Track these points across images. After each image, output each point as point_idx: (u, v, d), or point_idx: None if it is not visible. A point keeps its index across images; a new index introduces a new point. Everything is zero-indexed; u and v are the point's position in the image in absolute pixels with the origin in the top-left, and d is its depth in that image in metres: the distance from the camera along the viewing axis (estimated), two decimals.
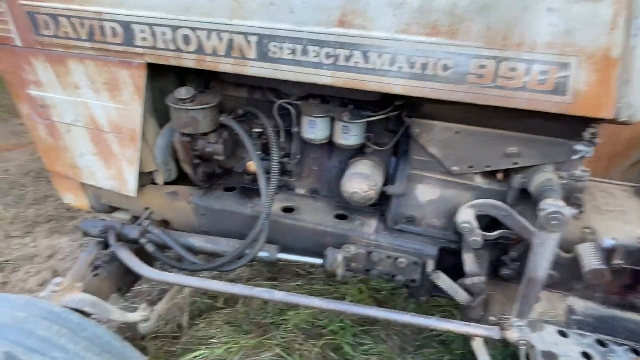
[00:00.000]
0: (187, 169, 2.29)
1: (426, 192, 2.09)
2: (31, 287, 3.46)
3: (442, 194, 2.07)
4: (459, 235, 2.04)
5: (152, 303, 3.32)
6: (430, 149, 1.98)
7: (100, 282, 2.28)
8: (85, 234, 2.33)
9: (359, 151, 2.22)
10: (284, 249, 2.24)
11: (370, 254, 2.10)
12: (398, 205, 2.11)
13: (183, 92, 1.94)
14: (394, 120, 2.09)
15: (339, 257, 2.07)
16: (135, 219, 2.68)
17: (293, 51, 1.72)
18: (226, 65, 1.84)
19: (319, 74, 1.74)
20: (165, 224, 2.61)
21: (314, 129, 2.06)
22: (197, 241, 2.21)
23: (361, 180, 2.06)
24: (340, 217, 2.27)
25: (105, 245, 2.33)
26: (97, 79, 2.10)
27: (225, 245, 2.18)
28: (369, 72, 1.67)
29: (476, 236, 1.92)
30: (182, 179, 2.47)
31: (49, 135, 2.43)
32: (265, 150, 2.32)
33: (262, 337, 2.93)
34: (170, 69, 2.16)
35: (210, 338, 3.03)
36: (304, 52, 1.71)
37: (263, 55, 1.77)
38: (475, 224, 1.92)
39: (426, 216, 2.12)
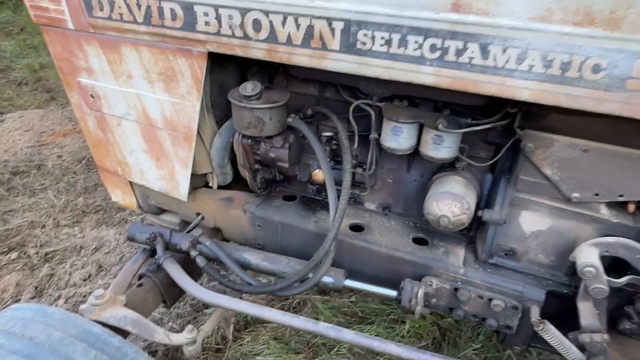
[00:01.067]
0: (246, 174, 2.01)
1: (533, 222, 1.70)
2: (75, 281, 3.35)
3: (554, 225, 1.67)
4: (573, 277, 1.64)
5: (197, 310, 3.12)
6: (545, 169, 1.58)
7: (145, 294, 2.06)
8: (132, 240, 2.11)
9: (447, 165, 1.85)
10: (351, 273, 1.92)
11: (457, 291, 1.74)
12: (495, 234, 1.73)
13: (249, 87, 1.65)
14: (499, 130, 1.70)
15: (420, 292, 1.72)
16: (185, 223, 2.46)
17: (388, 42, 1.38)
18: (302, 58, 1.53)
19: (418, 71, 1.39)
20: (216, 231, 2.36)
21: (398, 136, 1.71)
22: (254, 258, 1.93)
23: (452, 202, 1.70)
24: (419, 241, 1.91)
25: (153, 252, 2.11)
26: (152, 68, 1.86)
27: (285, 266, 1.88)
28: (487, 71, 1.30)
29: (601, 283, 1.51)
30: (236, 182, 2.21)
31: (98, 129, 2.23)
32: (335, 157, 2.01)
33: None
34: (232, 59, 1.89)
35: (256, 355, 2.77)
36: (403, 43, 1.36)
37: (349, 47, 1.44)
38: (600, 268, 1.51)
39: (530, 250, 1.73)
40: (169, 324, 2.88)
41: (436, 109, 1.70)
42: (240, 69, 2.12)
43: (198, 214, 2.28)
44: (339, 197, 1.69)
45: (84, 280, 3.39)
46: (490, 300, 1.71)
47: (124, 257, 3.65)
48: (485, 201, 1.87)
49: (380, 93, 1.68)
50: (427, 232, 1.96)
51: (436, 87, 1.39)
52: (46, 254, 3.61)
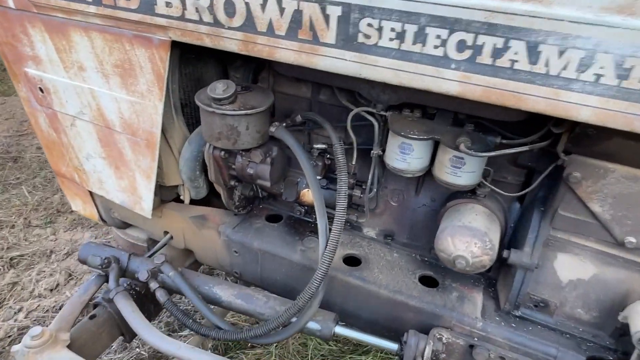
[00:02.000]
0: (220, 190, 1.67)
1: (572, 268, 1.35)
2: (40, 292, 3.01)
3: (600, 274, 1.32)
4: (621, 340, 1.30)
5: (172, 331, 2.79)
6: (593, 205, 1.23)
7: (97, 328, 1.72)
8: (83, 262, 1.77)
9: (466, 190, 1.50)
10: (343, 315, 1.58)
11: (473, 349, 1.40)
12: (524, 280, 1.38)
13: (219, 88, 1.30)
14: (534, 152, 1.36)
15: (427, 349, 1.38)
16: (153, 241, 2.12)
17: (400, 35, 1.02)
18: (286, 53, 1.17)
19: (439, 77, 1.03)
20: (188, 252, 2.02)
21: (407, 155, 1.36)
22: (225, 294, 1.59)
23: (471, 240, 1.35)
24: (427, 281, 1.57)
25: (107, 277, 1.77)
26: (106, 58, 1.50)
27: (263, 306, 1.54)
28: (536, 80, 0.95)
29: None
30: (216, 195, 1.87)
31: (50, 128, 1.88)
32: (328, 174, 1.66)
33: None
34: (209, 49, 1.54)
35: None
36: (420, 37, 1.01)
37: (347, 40, 1.08)
38: None
39: (567, 303, 1.39)
40: (137, 349, 2.55)
41: (456, 123, 1.35)
42: (221, 62, 1.77)
43: (166, 233, 1.94)
44: (330, 225, 1.35)
45: (51, 290, 3.06)
46: None
47: None
48: (510, 237, 1.52)
49: (387, 100, 1.33)
50: (437, 269, 1.61)
51: (461, 98, 1.04)
52: (12, 258, 3.28)
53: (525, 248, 1.36)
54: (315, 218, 1.77)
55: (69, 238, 3.56)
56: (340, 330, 1.51)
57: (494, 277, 1.58)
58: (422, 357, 1.38)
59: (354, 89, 1.39)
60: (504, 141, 1.30)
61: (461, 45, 0.98)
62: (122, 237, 2.16)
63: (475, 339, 1.41)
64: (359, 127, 1.51)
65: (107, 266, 1.68)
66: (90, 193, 2.03)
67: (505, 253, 1.39)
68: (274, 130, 1.43)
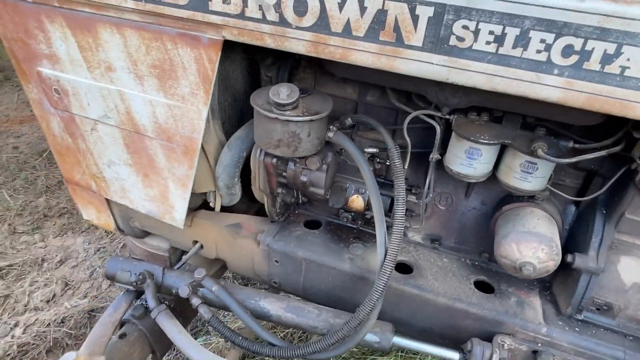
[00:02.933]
0: (263, 198, 1.57)
1: (637, 271, 1.35)
2: (37, 304, 2.82)
3: None
4: None
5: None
6: None
7: (129, 348, 1.60)
8: (111, 279, 1.64)
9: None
10: (397, 324, 1.53)
11: (537, 354, 1.38)
12: (588, 285, 1.37)
13: (283, 92, 1.20)
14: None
15: (494, 357, 1.35)
16: (175, 250, 2.00)
17: (499, 39, 0.96)
18: (363, 55, 1.09)
19: (539, 82, 0.98)
20: (215, 261, 1.92)
21: (474, 160, 1.31)
22: (274, 307, 1.51)
23: (538, 245, 1.33)
24: (482, 286, 1.54)
25: (139, 293, 1.65)
26: (141, 58, 1.37)
27: (316, 319, 1.47)
28: None
29: None
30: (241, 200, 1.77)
31: (65, 133, 1.72)
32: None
33: None
34: (239, 44, 1.45)
35: None
36: (521, 41, 0.95)
37: (437, 43, 1.01)
38: None
39: (630, 305, 1.39)
40: None
41: (525, 127, 1.31)
42: (248, 58, 1.66)
43: (195, 242, 1.83)
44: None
45: (47, 302, 2.87)
46: None
47: (95, 271, 3.14)
48: (565, 240, 1.51)
49: (456, 103, 1.27)
50: (489, 274, 1.59)
51: (557, 103, 1.00)
52: (0, 269, 3.05)
53: (590, 252, 1.35)
54: (361, 224, 1.71)
55: (59, 244, 3.35)
56: (398, 340, 1.46)
57: (547, 280, 1.57)
58: None
59: (417, 92, 1.32)
60: (576, 145, 1.27)
61: (568, 51, 0.93)
62: (140, 246, 2.02)
63: (539, 344, 1.40)
64: (411, 130, 1.45)
65: (141, 282, 1.56)
66: (108, 201, 1.88)
67: (569, 257, 1.37)
68: (332, 136, 1.35)
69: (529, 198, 1.46)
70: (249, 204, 1.97)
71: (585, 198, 1.34)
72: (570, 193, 1.44)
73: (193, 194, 1.73)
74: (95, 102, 1.54)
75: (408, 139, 1.43)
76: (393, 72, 1.09)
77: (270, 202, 1.56)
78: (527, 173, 1.28)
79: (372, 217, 1.60)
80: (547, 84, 0.98)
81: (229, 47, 1.30)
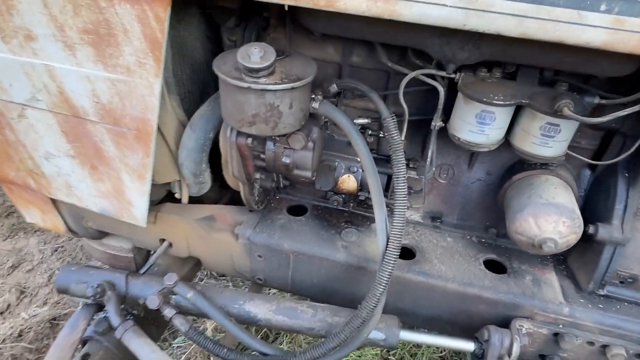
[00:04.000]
0: (239, 185, 1.34)
1: None
2: None
3: None
4: None
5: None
6: None
7: None
8: (64, 292, 1.39)
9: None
10: (400, 315, 1.37)
11: (559, 337, 1.25)
12: (612, 257, 1.23)
13: (255, 54, 0.95)
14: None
15: (515, 345, 1.21)
16: (141, 251, 1.74)
17: None
18: (355, 0, 0.85)
19: (580, 23, 0.78)
20: (183, 260, 1.68)
21: (487, 126, 1.12)
22: (262, 311, 1.30)
23: (559, 218, 1.17)
24: (492, 266, 1.39)
25: (100, 306, 1.41)
26: (69, 21, 1.08)
27: (311, 320, 1.28)
28: None
29: None
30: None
31: None
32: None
33: None
34: (195, 4, 1.18)
35: None
36: None
37: None
38: None
39: None
40: None
41: (542, 83, 1.12)
42: (207, 20, 1.38)
43: (162, 240, 1.58)
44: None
45: (1, 313, 2.56)
46: (604, 347, 1.24)
47: (53, 274, 2.83)
48: (581, 208, 1.36)
49: (465, 59, 1.06)
50: (498, 251, 1.43)
51: (597, 50, 0.80)
52: None
53: (613, 221, 1.21)
54: (352, 206, 1.51)
55: (10, 247, 3.00)
56: (406, 335, 1.29)
57: (560, 253, 1.43)
58: (510, 355, 1.21)
59: (416, 47, 1.10)
60: (603, 101, 1.09)
61: None
62: (99, 248, 1.75)
63: (560, 326, 1.26)
64: (408, 95, 1.24)
65: (101, 295, 1.31)
66: (53, 200, 1.59)
67: (590, 229, 1.22)
68: (318, 106, 1.11)
69: (542, 165, 1.29)
70: (220, 192, 1.72)
71: (611, 161, 1.18)
72: (587, 156, 1.27)
73: (154, 186, 1.47)
74: (19, 81, 1.24)
75: (405, 105, 1.21)
76: (390, 20, 0.86)
77: (247, 190, 1.33)
78: (548, 137, 1.10)
79: (366, 198, 1.40)
80: (591, 24, 0.78)
81: (182, 7, 1.02)
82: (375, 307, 1.18)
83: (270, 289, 2.31)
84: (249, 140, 1.14)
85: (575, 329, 1.25)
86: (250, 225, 1.44)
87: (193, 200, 1.55)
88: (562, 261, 1.41)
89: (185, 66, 1.35)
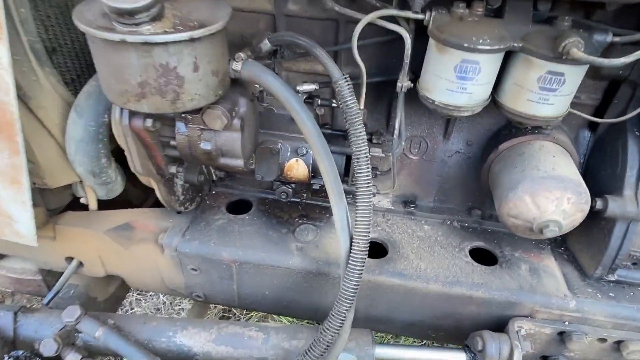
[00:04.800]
0: (154, 185, 1.02)
1: None
2: None
3: None
4: None
5: None
6: None
7: None
8: None
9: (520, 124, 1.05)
10: (368, 324, 1.11)
11: (565, 336, 1.03)
12: (626, 235, 1.01)
13: None
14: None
15: (516, 354, 0.97)
16: (52, 273, 1.40)
17: None
18: None
19: None
20: (109, 279, 1.35)
21: (470, 81, 0.85)
22: (198, 342, 1.01)
23: (562, 194, 0.93)
24: (480, 255, 1.14)
25: None
26: None
27: (263, 347, 1.00)
28: None
29: None
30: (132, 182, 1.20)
31: None
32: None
33: None
34: None
35: None
36: None
37: None
38: None
39: None
40: None
41: (538, 19, 0.85)
42: None
43: (70, 259, 1.24)
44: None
45: None
46: (619, 343, 1.03)
47: None
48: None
49: None
50: (485, 236, 1.19)
51: None
52: None
53: (625, 192, 0.98)
54: (306, 197, 1.22)
55: None
56: (382, 351, 1.04)
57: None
58: None
59: None
60: (617, 39, 0.83)
61: None
62: None
63: (566, 322, 1.04)
64: (364, 50, 0.95)
65: None
66: None
67: (597, 203, 0.99)
68: (241, 69, 0.80)
69: (533, 129, 1.04)
70: (146, 191, 1.39)
71: (623, 117, 0.93)
72: (587, 113, 1.03)
73: (50, 191, 1.13)
74: None
75: (361, 63, 0.92)
76: None
77: (163, 189, 1.01)
78: (549, 91, 0.84)
79: (321, 186, 1.11)
80: None
81: None
82: (341, 326, 0.91)
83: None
84: (149, 121, 0.82)
85: (584, 325, 1.03)
86: (177, 232, 1.13)
87: (107, 204, 1.22)
88: (560, 243, 1.19)
89: (62, 29, 0.99)
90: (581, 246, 1.12)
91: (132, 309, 2.32)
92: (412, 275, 1.06)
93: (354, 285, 0.90)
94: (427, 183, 1.23)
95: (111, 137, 1.01)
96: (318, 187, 1.08)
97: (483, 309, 1.07)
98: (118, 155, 1.10)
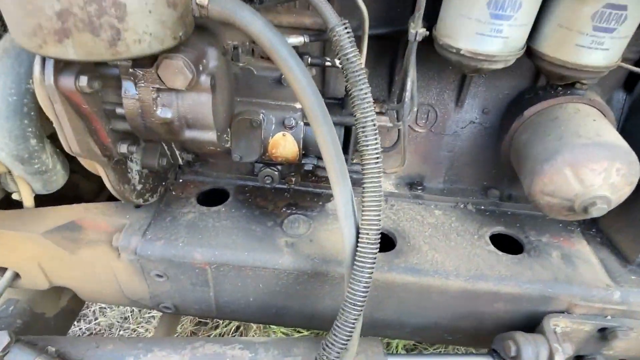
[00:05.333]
0: (100, 170, 0.79)
1: None
2: None
3: None
4: None
5: None
6: None
7: None
8: None
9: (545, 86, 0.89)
10: (374, 329, 0.93)
11: (609, 332, 0.87)
12: None
13: None
14: None
15: (557, 358, 0.81)
16: None
17: None
18: None
19: None
20: (58, 290, 1.12)
21: (506, 20, 0.66)
22: None
23: (610, 164, 0.77)
24: (500, 242, 0.97)
25: None
26: None
27: None
28: None
29: None
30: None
31: None
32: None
33: None
34: None
35: None
36: None
37: None
38: None
39: None
40: None
41: None
42: None
43: (3, 270, 1.00)
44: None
45: None
46: None
47: None
48: None
49: None
50: (505, 220, 1.02)
51: None
52: None
53: None
54: (294, 182, 1.01)
55: None
56: None
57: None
58: None
59: None
60: None
61: None
62: None
63: (609, 317, 0.88)
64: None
65: None
66: None
67: None
68: (208, 2, 0.58)
69: (565, 89, 0.88)
70: (101, 184, 1.16)
71: None
72: (625, 70, 0.87)
73: None
74: None
75: (363, 6, 0.73)
76: None
77: (112, 175, 0.78)
78: (605, 31, 0.67)
79: (315, 167, 0.91)
80: None
81: None
82: (349, 338, 0.73)
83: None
84: (83, 79, 0.59)
85: (630, 319, 0.87)
86: (136, 231, 0.90)
87: (53, 202, 0.98)
88: (590, 224, 1.03)
89: None
90: (619, 226, 0.97)
91: (95, 319, 2.07)
92: (428, 270, 0.88)
93: (364, 287, 0.71)
94: (435, 161, 1.04)
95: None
96: (311, 168, 0.88)
97: (511, 306, 0.90)
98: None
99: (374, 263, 0.72)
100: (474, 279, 0.87)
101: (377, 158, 0.71)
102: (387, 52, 0.92)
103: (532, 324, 0.91)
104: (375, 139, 0.71)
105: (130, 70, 0.60)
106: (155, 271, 0.92)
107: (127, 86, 0.62)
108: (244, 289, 0.94)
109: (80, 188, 1.24)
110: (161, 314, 2.00)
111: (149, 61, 0.60)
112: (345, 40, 0.67)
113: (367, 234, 0.71)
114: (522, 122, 0.91)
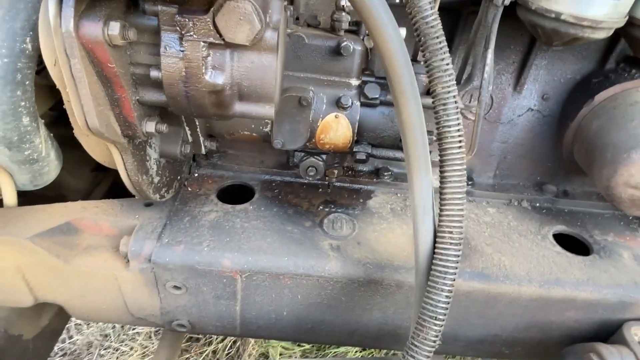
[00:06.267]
0: (116, 155, 0.62)
1: None
2: None
3: None
4: None
5: None
6: None
7: None
8: None
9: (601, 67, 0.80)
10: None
11: None
12: None
13: None
14: None
15: None
16: None
17: None
18: None
19: None
20: (46, 308, 0.93)
21: None
22: None
23: None
24: (563, 242, 0.87)
25: None
26: None
27: None
28: None
29: None
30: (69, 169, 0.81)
31: None
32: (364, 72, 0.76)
33: None
34: None
35: None
36: None
37: None
38: None
39: None
40: None
41: None
42: None
43: None
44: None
45: None
46: None
47: None
48: None
49: None
50: (564, 218, 0.93)
51: None
52: None
53: None
54: (335, 176, 0.88)
55: None
56: None
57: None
58: None
59: None
60: None
61: None
62: None
63: None
64: None
65: None
66: None
67: None
68: None
69: (638, 70, 0.79)
70: (95, 177, 0.99)
71: None
72: None
73: None
74: None
75: None
76: None
77: (131, 162, 0.62)
78: None
79: (368, 156, 0.78)
80: None
81: None
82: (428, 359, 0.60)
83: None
84: (115, 27, 0.43)
85: None
86: (150, 233, 0.74)
87: (34, 197, 0.80)
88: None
89: None
90: None
91: (70, 337, 1.84)
92: (497, 275, 0.76)
93: (446, 297, 0.59)
94: (487, 152, 0.94)
95: (40, 92, 0.61)
96: (364, 157, 0.75)
97: (584, 313, 0.80)
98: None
99: (457, 268, 0.60)
100: (548, 284, 0.77)
101: (460, 141, 0.59)
102: (445, 24, 0.81)
103: (602, 334, 0.81)
104: (458, 118, 0.60)
105: (177, 17, 0.45)
106: (173, 282, 0.75)
107: (169, 40, 0.47)
108: (278, 301, 0.79)
109: (64, 186, 1.05)
110: (147, 329, 1.80)
111: (202, 6, 0.45)
112: (424, 0, 0.56)
113: (451, 232, 0.59)
114: (591, 107, 0.82)
